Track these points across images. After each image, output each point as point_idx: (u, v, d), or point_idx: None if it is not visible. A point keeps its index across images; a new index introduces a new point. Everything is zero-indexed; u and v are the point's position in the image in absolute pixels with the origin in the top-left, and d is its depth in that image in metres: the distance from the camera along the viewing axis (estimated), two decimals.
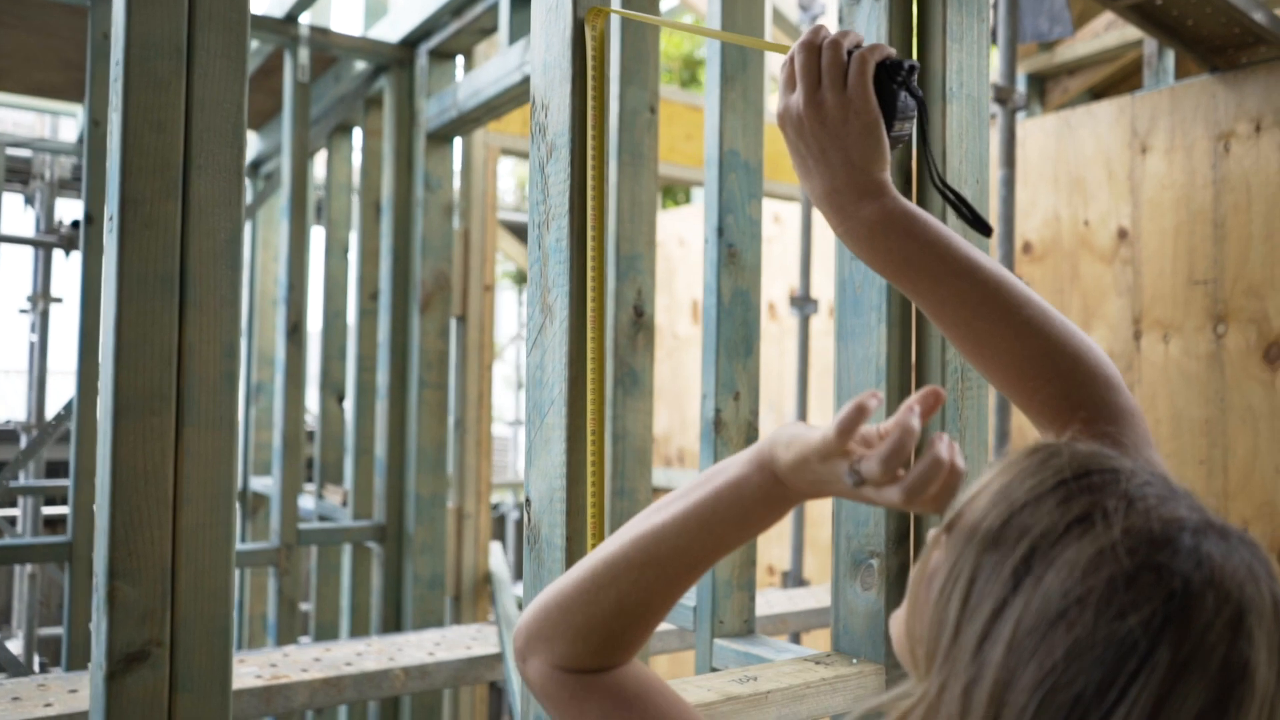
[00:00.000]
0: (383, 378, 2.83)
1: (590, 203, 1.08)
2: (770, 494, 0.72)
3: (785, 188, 3.79)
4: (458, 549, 2.91)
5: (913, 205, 0.87)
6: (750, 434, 1.75)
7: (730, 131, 1.70)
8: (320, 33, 2.69)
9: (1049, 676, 0.53)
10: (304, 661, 2.16)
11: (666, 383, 5.07)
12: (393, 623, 2.80)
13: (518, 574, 6.53)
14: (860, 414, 0.65)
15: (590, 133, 1.08)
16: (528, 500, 1.14)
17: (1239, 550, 0.56)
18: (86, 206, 2.25)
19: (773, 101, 4.44)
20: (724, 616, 1.71)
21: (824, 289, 3.60)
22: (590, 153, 1.08)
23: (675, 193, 5.80)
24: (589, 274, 1.08)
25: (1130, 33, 3.25)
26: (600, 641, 0.76)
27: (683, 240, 5.04)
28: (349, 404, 3.21)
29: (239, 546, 3.07)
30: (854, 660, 1.35)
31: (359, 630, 3.05)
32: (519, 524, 6.54)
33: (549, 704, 0.77)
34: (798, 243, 3.45)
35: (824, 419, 4.36)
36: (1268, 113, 2.85)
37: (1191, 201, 2.99)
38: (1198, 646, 0.52)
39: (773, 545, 4.20)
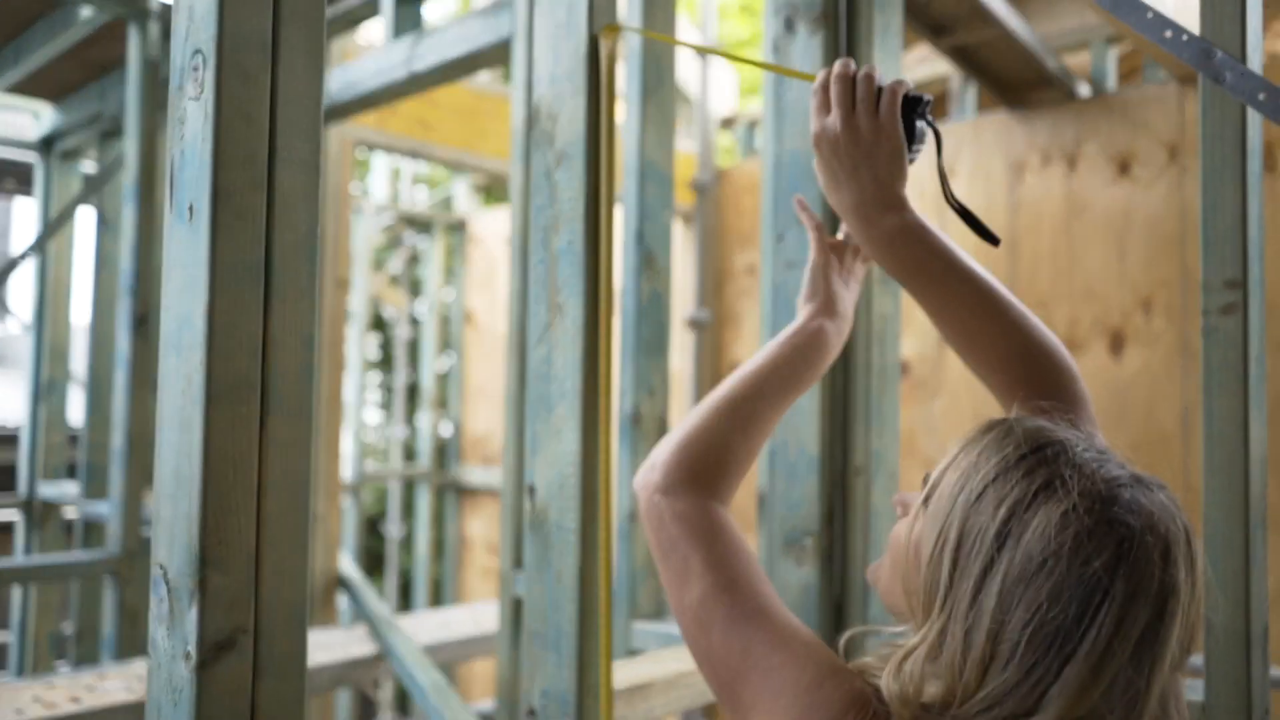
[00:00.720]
0: None
1: (602, 208, 1.15)
2: (809, 326, 1.07)
3: None
4: None
5: (926, 219, 1.02)
6: (662, 428, 1.86)
7: (649, 144, 1.81)
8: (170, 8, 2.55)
9: (1036, 615, 0.68)
10: None
11: (488, 382, 5.08)
12: None
13: None
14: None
15: (602, 143, 1.16)
16: (532, 488, 1.19)
17: (1157, 493, 0.74)
18: None
19: None
20: (641, 600, 1.81)
21: None
22: (603, 162, 1.16)
23: (493, 192, 5.83)
24: (600, 275, 1.15)
25: (938, 68, 3.62)
26: (730, 461, 0.95)
27: (506, 239, 5.07)
28: None
29: (50, 559, 2.84)
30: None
31: None
32: None
33: (676, 532, 0.89)
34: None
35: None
36: (1054, 147, 3.28)
37: (991, 222, 3.37)
38: (1142, 577, 0.69)
39: None
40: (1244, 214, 1.18)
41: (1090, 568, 0.68)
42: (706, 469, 0.93)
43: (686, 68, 4.01)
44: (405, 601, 5.51)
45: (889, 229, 1.00)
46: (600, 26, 1.16)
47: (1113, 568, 0.68)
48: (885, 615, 1.52)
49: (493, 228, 5.13)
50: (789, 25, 1.55)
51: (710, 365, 4.10)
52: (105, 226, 3.12)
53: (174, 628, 0.85)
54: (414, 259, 5.68)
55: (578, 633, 1.13)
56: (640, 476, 0.95)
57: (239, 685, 0.84)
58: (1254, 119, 1.20)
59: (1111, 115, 3.16)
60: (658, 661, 1.33)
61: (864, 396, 1.51)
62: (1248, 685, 1.14)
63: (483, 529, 4.98)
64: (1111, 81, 3.25)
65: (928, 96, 1.01)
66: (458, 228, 5.19)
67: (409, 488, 5.21)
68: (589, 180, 1.14)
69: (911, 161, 1.03)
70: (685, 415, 1.02)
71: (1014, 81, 3.27)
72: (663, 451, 0.95)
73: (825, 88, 1.03)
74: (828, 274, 1.13)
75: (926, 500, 0.79)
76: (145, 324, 2.50)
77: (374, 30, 3.18)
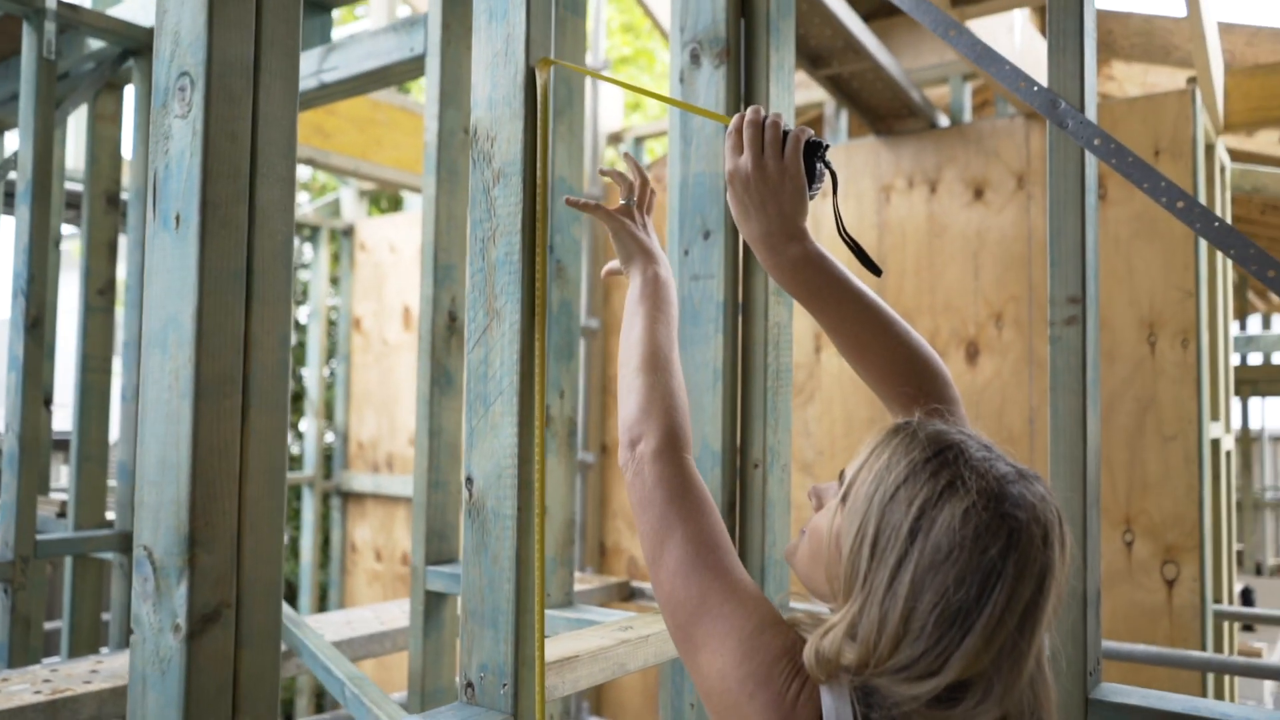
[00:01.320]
0: (131, 380, 2.69)
1: (538, 222, 1.27)
2: (649, 277, 1.23)
3: None
4: None
5: (823, 248, 1.17)
6: (572, 427, 1.98)
7: (560, 161, 1.93)
8: (69, 8, 2.52)
9: (943, 598, 0.81)
10: (80, 674, 2.05)
11: (375, 388, 5.08)
12: None
13: None
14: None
15: (539, 163, 1.27)
16: (469, 479, 1.30)
17: (1034, 486, 0.88)
18: None
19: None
20: (551, 590, 1.93)
21: None
22: (539, 180, 1.27)
23: (380, 199, 5.79)
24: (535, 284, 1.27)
25: (814, 95, 3.87)
26: (682, 408, 1.10)
27: (393, 247, 5.09)
28: (69, 409, 2.98)
29: None
30: None
31: (84, 648, 2.84)
32: None
33: (661, 492, 1.02)
34: None
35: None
36: (917, 171, 3.56)
37: (862, 239, 3.65)
38: (1028, 560, 0.83)
39: None
40: (1083, 239, 1.39)
41: (988, 555, 0.82)
42: (673, 423, 1.07)
43: None
44: (291, 607, 5.43)
45: (792, 257, 1.14)
46: (536, 58, 1.28)
47: (1005, 554, 0.82)
48: (781, 591, 1.68)
49: (381, 235, 5.13)
50: (695, 59, 1.70)
51: (599, 370, 4.23)
52: None
53: (160, 603, 0.92)
54: (298, 265, 5.61)
55: (514, 610, 1.24)
56: (624, 448, 1.08)
57: (223, 655, 0.92)
58: (1090, 159, 1.42)
59: (967, 144, 3.46)
60: (579, 639, 1.44)
61: (761, 396, 1.67)
62: (1084, 639, 1.34)
63: (370, 534, 4.97)
64: (967, 114, 3.55)
65: (826, 142, 1.17)
66: (345, 234, 5.16)
67: (294, 494, 5.14)
68: (525, 196, 1.26)
69: (811, 198, 1.17)
70: (620, 392, 1.14)
71: (882, 110, 3.53)
72: (636, 422, 1.07)
73: (738, 131, 1.17)
74: (631, 234, 1.27)
75: (845, 498, 0.91)
76: (38, 327, 2.46)
77: None
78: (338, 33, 5.30)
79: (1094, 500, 1.38)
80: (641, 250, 1.26)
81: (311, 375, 5.13)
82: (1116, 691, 1.36)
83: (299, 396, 5.50)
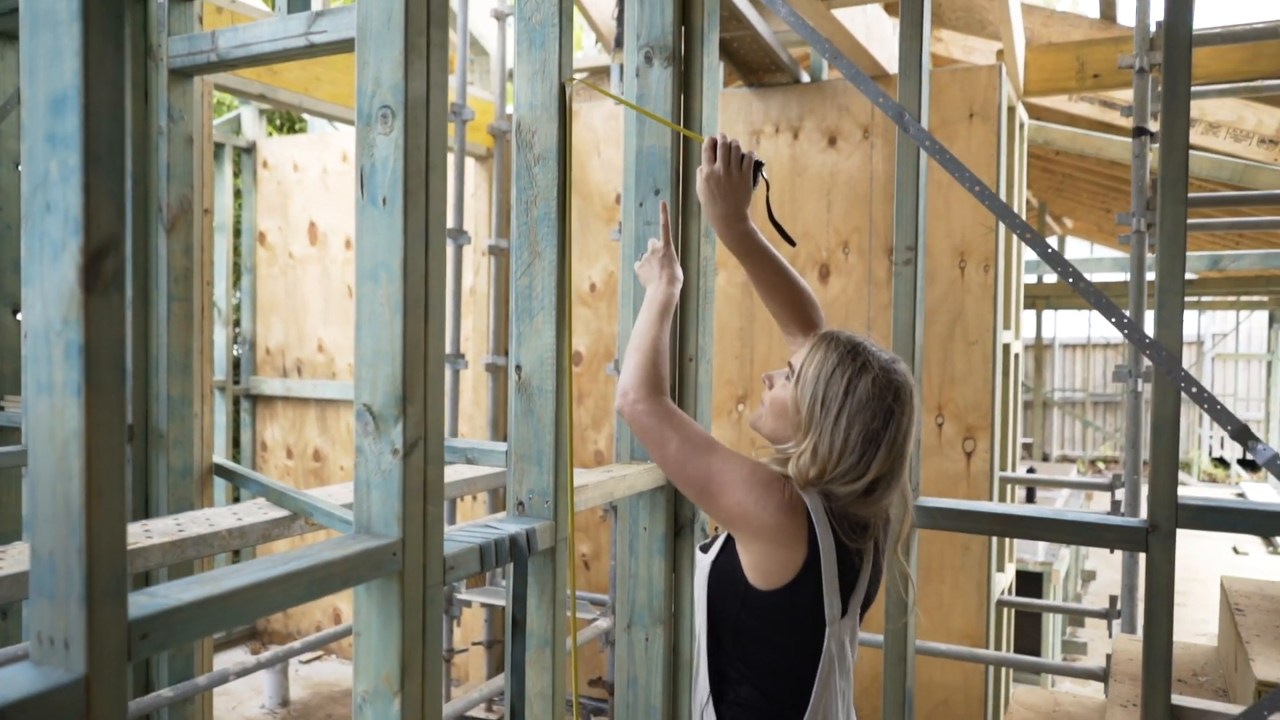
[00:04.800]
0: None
1: (566, 191, 1.86)
2: (668, 295, 1.77)
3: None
4: None
5: (755, 225, 1.81)
6: None
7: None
8: None
9: (865, 426, 1.51)
10: (135, 533, 2.53)
11: (282, 299, 5.44)
12: (141, 512, 3.12)
13: None
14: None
15: (567, 149, 1.85)
16: (519, 367, 1.90)
17: (901, 364, 1.59)
18: None
19: None
20: None
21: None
22: (567, 161, 1.85)
23: (274, 118, 5.99)
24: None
25: None
26: (665, 372, 1.63)
27: (297, 165, 5.39)
28: None
29: None
30: (649, 461, 2.31)
31: None
32: None
33: (653, 421, 1.58)
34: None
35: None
36: (782, 120, 4.23)
37: None
38: (906, 404, 1.55)
39: None
40: (917, 207, 2.09)
41: (885, 401, 1.51)
42: (657, 382, 1.62)
43: (485, 25, 4.57)
44: None
45: (740, 230, 1.79)
46: (566, 76, 1.85)
47: (895, 400, 1.51)
48: None
49: (284, 154, 5.41)
50: (648, 59, 2.28)
51: (504, 285, 4.77)
52: None
53: (380, 437, 1.50)
54: None
55: (553, 452, 1.86)
56: (620, 399, 1.62)
57: (419, 467, 1.51)
58: (923, 154, 2.11)
59: (824, 99, 4.15)
60: (584, 475, 2.08)
61: (695, 310, 2.32)
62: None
63: (280, 434, 5.39)
64: (825, 73, 4.24)
65: (764, 161, 1.81)
66: (247, 151, 5.42)
67: None
68: (558, 173, 1.84)
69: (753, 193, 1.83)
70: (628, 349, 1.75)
71: (754, 66, 4.17)
72: (630, 382, 1.62)
73: (712, 148, 1.78)
74: (664, 261, 1.82)
75: (797, 379, 1.58)
76: None
77: None
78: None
79: (919, 379, 2.12)
80: (667, 273, 1.81)
81: (219, 286, 5.42)
82: (928, 501, 2.12)
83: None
